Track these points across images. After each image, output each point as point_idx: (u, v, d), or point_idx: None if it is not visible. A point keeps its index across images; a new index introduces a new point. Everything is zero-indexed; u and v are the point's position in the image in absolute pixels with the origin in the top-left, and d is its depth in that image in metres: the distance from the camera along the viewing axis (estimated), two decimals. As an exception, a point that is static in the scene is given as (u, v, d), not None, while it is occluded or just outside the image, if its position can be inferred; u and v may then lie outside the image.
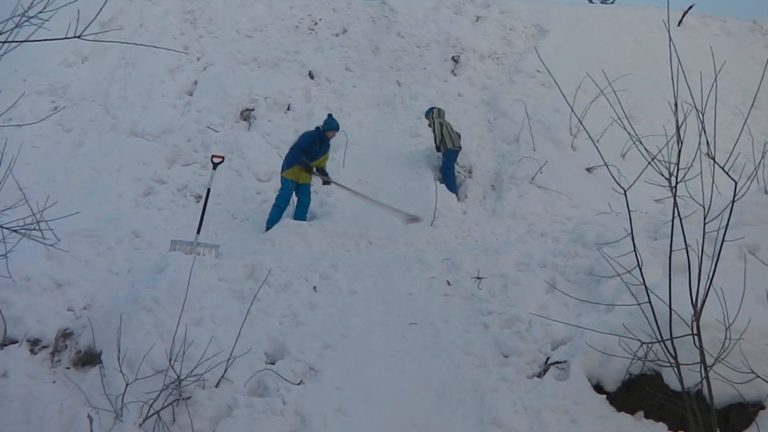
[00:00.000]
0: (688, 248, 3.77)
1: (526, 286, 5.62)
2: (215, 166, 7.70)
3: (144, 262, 6.56)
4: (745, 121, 4.29)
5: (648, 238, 5.63)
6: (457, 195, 9.03)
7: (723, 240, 3.74)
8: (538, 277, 5.70)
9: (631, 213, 3.95)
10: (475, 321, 5.45)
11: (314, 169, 8.33)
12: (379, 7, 13.00)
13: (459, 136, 9.37)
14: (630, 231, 3.93)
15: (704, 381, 3.73)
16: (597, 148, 4.35)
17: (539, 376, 4.78)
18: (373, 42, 12.19)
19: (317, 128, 8.47)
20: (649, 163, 3.72)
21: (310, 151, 8.25)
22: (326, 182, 8.68)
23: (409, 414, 4.64)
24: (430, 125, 9.55)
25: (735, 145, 3.89)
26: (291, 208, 8.42)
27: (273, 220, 8.15)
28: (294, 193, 8.39)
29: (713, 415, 3.74)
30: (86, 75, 11.11)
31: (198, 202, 8.70)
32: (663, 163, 3.72)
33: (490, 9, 12.85)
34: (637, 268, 4.02)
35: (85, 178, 9.12)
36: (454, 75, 11.42)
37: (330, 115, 8.71)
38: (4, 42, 3.66)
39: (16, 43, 3.65)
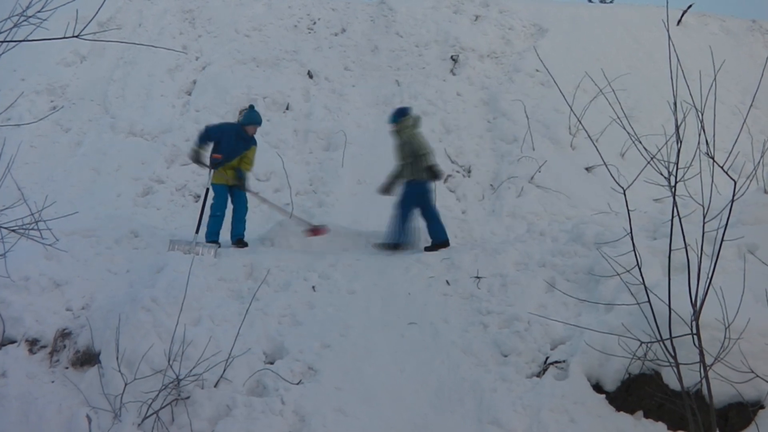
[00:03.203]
0: (688, 248, 3.77)
1: (526, 286, 5.61)
2: (214, 165, 7.69)
3: (143, 261, 6.55)
4: (744, 121, 4.29)
5: (647, 238, 5.63)
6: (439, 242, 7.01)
7: (722, 239, 3.74)
8: (538, 276, 5.70)
9: (630, 212, 3.95)
10: (474, 321, 5.44)
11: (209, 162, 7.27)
12: (378, 6, 12.99)
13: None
14: (629, 230, 3.93)
15: (704, 380, 3.73)
16: (596, 147, 4.35)
17: (538, 375, 4.77)
18: (372, 41, 12.19)
19: (238, 121, 7.71)
20: (649, 162, 3.71)
21: (219, 142, 7.27)
22: (240, 186, 7.45)
23: (408, 414, 4.64)
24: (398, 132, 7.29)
25: (734, 145, 3.89)
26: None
27: (213, 232, 7.25)
28: (229, 200, 7.47)
29: (713, 414, 3.73)
30: (85, 74, 11.12)
31: (197, 201, 8.69)
32: (662, 162, 3.71)
33: (489, 8, 12.85)
34: (637, 267, 4.01)
35: (84, 178, 9.12)
36: (453, 74, 11.42)
37: (251, 107, 7.80)
38: (2, 41, 3.65)
39: (14, 43, 3.64)
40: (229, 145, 7.31)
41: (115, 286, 6.05)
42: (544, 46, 11.55)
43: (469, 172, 9.45)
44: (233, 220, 7.46)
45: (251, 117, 7.53)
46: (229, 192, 7.45)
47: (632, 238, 3.92)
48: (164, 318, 5.26)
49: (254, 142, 7.57)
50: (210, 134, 7.37)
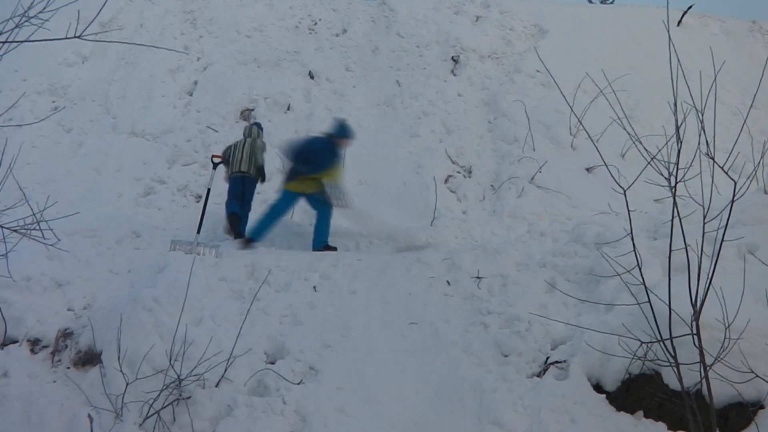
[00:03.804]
0: (688, 248, 3.77)
1: (526, 286, 5.61)
2: (215, 166, 7.71)
3: (144, 261, 6.57)
4: (745, 121, 4.30)
5: (647, 238, 5.63)
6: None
7: (722, 240, 3.74)
8: (538, 276, 5.70)
9: (630, 213, 3.95)
10: (474, 321, 5.45)
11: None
12: (379, 7, 13.00)
13: (252, 158, 7.90)
14: (629, 231, 3.93)
15: (704, 380, 3.73)
16: (597, 148, 4.35)
17: (539, 375, 4.78)
18: (373, 42, 12.20)
19: (328, 134, 7.64)
20: (649, 162, 3.72)
21: (311, 158, 7.31)
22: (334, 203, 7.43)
23: (408, 414, 4.64)
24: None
25: (734, 145, 3.89)
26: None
27: (261, 231, 7.34)
28: (311, 207, 7.52)
29: (713, 414, 3.74)
30: (86, 75, 11.13)
31: (198, 202, 8.71)
32: (662, 162, 3.72)
33: (490, 9, 12.86)
34: (637, 267, 4.02)
35: (86, 178, 9.13)
36: (454, 75, 11.43)
37: (343, 121, 7.83)
38: (4, 42, 3.66)
39: (16, 43, 3.65)
40: (323, 157, 7.29)
41: (116, 286, 6.06)
42: (544, 47, 11.55)
43: (470, 172, 9.46)
44: (317, 224, 7.42)
45: (343, 131, 7.50)
46: (308, 200, 7.45)
47: (632, 239, 3.93)
48: (165, 318, 5.27)
49: (340, 155, 7.51)
50: (302, 153, 7.35)
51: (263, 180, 8.24)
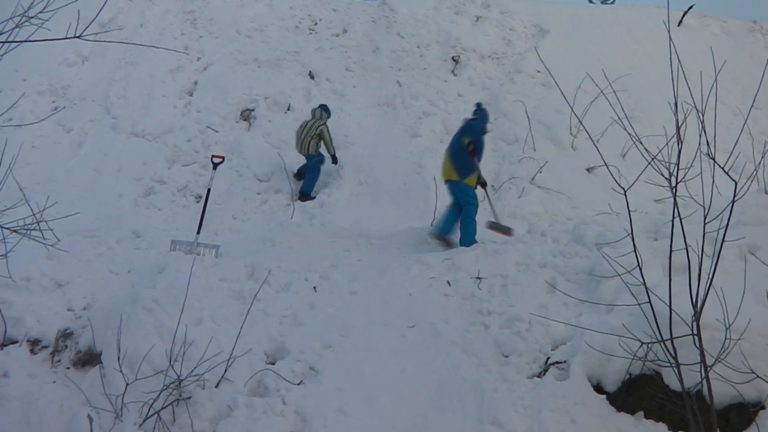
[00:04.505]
0: (688, 248, 3.76)
1: (526, 286, 5.61)
2: (215, 166, 7.70)
3: (144, 262, 6.57)
4: (745, 121, 4.29)
5: (648, 238, 5.63)
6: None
7: (723, 240, 3.73)
8: (538, 277, 5.70)
9: (631, 213, 3.94)
10: (475, 321, 5.44)
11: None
12: (380, 7, 13.00)
13: (309, 139, 9.02)
14: (630, 231, 3.93)
15: (704, 381, 3.72)
16: (597, 148, 4.34)
17: (539, 376, 4.77)
18: (374, 42, 12.20)
19: (475, 120, 7.36)
20: (649, 163, 3.71)
21: (480, 147, 7.13)
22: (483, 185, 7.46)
23: (409, 414, 4.64)
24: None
25: (735, 145, 3.89)
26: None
27: (471, 233, 7.18)
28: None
29: (713, 415, 3.73)
30: (86, 75, 11.13)
31: (198, 202, 8.71)
32: (663, 163, 3.71)
33: (491, 9, 12.86)
34: (637, 268, 4.01)
35: (86, 178, 9.13)
36: (455, 75, 11.43)
37: (480, 104, 7.70)
38: (4, 42, 3.66)
39: (16, 43, 3.65)
40: (483, 143, 7.27)
41: (116, 286, 6.07)
42: (545, 47, 11.55)
43: (470, 172, 9.44)
44: (464, 222, 7.26)
45: (488, 116, 7.44)
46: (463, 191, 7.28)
47: (633, 239, 3.92)
48: (165, 318, 5.26)
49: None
50: (481, 143, 7.21)
51: (334, 161, 9.28)
